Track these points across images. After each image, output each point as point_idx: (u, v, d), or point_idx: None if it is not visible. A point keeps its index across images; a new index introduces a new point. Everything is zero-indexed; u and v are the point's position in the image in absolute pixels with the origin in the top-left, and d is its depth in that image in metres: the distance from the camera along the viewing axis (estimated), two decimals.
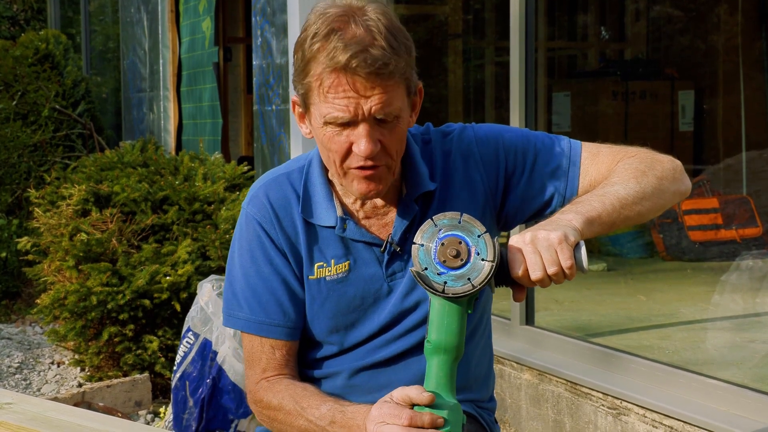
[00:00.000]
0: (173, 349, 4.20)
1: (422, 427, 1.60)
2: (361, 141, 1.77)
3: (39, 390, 4.61)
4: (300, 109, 1.86)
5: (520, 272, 1.63)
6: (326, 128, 1.79)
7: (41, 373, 4.84)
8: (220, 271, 4.20)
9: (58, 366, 4.92)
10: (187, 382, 3.52)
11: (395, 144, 1.81)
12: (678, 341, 4.34)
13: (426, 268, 1.61)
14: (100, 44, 10.34)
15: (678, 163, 1.93)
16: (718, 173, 6.52)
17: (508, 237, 1.85)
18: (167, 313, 4.22)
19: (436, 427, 1.61)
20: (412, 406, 1.63)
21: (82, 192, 4.45)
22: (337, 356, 1.95)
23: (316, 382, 1.95)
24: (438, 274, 1.61)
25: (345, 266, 1.90)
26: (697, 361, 4.03)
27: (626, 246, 6.03)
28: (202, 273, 4.19)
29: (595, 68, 8.07)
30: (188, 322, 3.58)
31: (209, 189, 4.47)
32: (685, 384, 3.12)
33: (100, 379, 4.31)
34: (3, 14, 10.58)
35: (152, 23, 7.90)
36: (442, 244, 1.61)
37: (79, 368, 4.69)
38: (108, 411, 3.72)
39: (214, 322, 3.52)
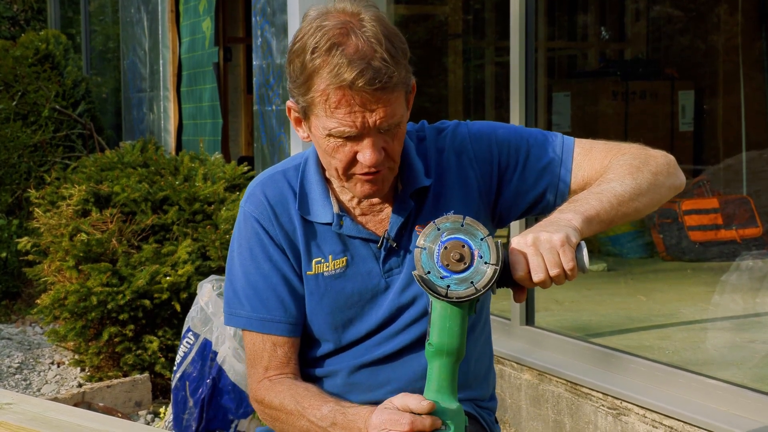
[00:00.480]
0: (173, 350, 4.20)
1: None
2: (366, 152, 1.79)
3: (39, 390, 4.61)
4: (297, 115, 1.87)
5: (522, 274, 1.63)
6: (329, 140, 1.80)
7: (41, 374, 4.84)
8: (221, 271, 4.20)
9: (58, 366, 4.92)
10: (187, 383, 3.52)
11: (397, 147, 1.83)
12: (678, 341, 4.33)
13: (429, 272, 1.61)
14: (100, 44, 10.33)
15: (671, 157, 1.94)
16: (718, 173, 6.52)
17: (508, 236, 1.85)
18: (167, 313, 4.22)
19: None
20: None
21: (82, 192, 4.45)
22: (337, 354, 1.96)
23: (316, 380, 1.96)
24: (441, 277, 1.60)
25: (342, 262, 1.91)
26: (697, 361, 4.03)
27: (626, 246, 6.02)
28: (202, 273, 4.19)
29: (595, 68, 8.07)
30: (188, 322, 3.58)
31: (209, 189, 4.47)
32: (685, 384, 3.12)
33: (100, 380, 4.31)
34: (3, 14, 10.58)
35: (152, 23, 7.90)
36: (445, 247, 1.61)
37: (79, 368, 4.68)
38: (108, 411, 3.72)
39: (214, 322, 3.52)
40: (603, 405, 3.28)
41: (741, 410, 2.93)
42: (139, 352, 4.20)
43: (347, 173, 1.83)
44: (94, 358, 4.34)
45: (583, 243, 1.67)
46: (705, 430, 2.92)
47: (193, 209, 4.42)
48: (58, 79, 7.13)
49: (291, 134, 5.37)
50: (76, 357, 4.57)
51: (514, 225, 3.89)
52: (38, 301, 4.40)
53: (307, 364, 1.97)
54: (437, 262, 1.61)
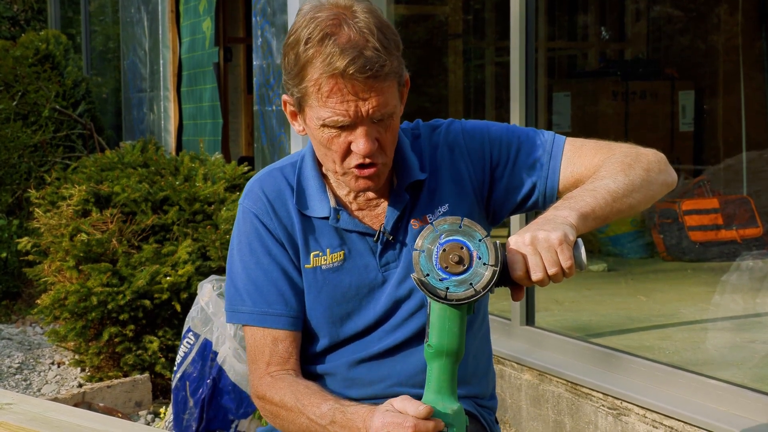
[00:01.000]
0: (173, 350, 4.20)
1: None
2: (360, 141, 1.81)
3: (39, 390, 4.61)
4: (292, 108, 1.90)
5: (520, 274, 1.63)
6: (324, 130, 1.83)
7: (41, 374, 4.84)
8: (221, 271, 4.20)
9: (59, 366, 4.92)
10: (188, 383, 3.52)
11: (391, 140, 1.86)
12: (678, 341, 4.33)
13: (428, 274, 1.61)
14: (100, 44, 10.33)
15: (662, 155, 1.96)
16: (719, 173, 6.52)
17: (508, 235, 1.85)
18: (167, 313, 4.22)
19: None
20: None
21: (82, 192, 4.45)
22: (336, 349, 1.97)
23: (316, 377, 1.97)
24: (440, 279, 1.60)
25: (340, 256, 1.93)
26: (698, 361, 4.03)
27: (626, 246, 6.02)
28: (203, 273, 4.19)
29: (595, 68, 8.07)
30: (188, 322, 3.58)
31: (209, 189, 4.47)
32: (686, 384, 3.12)
33: (101, 380, 4.31)
34: (3, 14, 10.58)
35: (152, 23, 7.90)
36: (444, 249, 1.61)
37: (79, 368, 4.69)
38: (108, 411, 3.72)
39: (215, 322, 3.52)
40: (603, 405, 3.28)
41: (741, 410, 2.93)
42: (140, 352, 4.20)
43: (343, 166, 1.85)
44: (94, 358, 4.34)
45: (580, 240, 1.67)
46: (705, 430, 2.92)
47: (194, 209, 4.42)
48: (59, 79, 7.13)
49: (291, 134, 5.37)
50: (77, 357, 4.57)
51: (515, 224, 3.89)
52: (38, 301, 4.40)
53: (307, 361, 1.98)
54: (436, 265, 1.61)
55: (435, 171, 1.97)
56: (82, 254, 4.23)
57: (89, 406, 3.78)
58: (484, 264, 1.60)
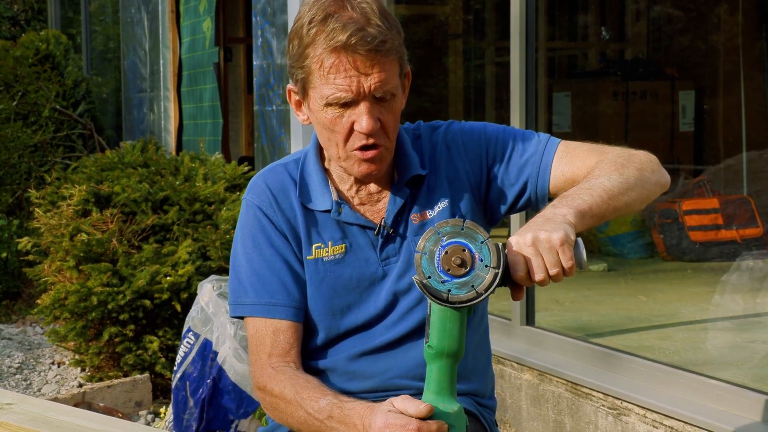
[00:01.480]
0: (173, 350, 4.20)
1: None
2: (362, 118, 1.84)
3: (39, 390, 4.61)
4: (297, 97, 1.94)
5: (522, 275, 1.64)
6: (327, 110, 1.86)
7: (42, 374, 4.84)
8: (221, 271, 4.20)
9: (59, 366, 4.92)
10: (188, 383, 3.52)
11: (392, 122, 1.89)
12: (678, 341, 4.33)
13: (429, 277, 1.60)
14: (100, 44, 10.33)
15: (654, 156, 1.99)
16: (719, 173, 6.51)
17: (508, 235, 1.85)
18: (168, 313, 4.22)
19: None
20: None
21: (82, 192, 4.45)
22: (337, 342, 1.99)
23: (317, 371, 1.98)
24: (442, 282, 1.60)
25: (341, 248, 1.96)
26: (698, 361, 4.03)
27: (626, 246, 6.02)
28: (203, 273, 4.19)
29: (595, 68, 8.07)
30: (188, 322, 3.58)
31: (210, 189, 4.47)
32: (686, 384, 3.12)
33: (101, 380, 4.31)
34: (3, 14, 10.57)
35: (153, 23, 7.90)
36: (446, 252, 1.61)
37: (79, 368, 4.69)
38: (108, 411, 3.72)
39: (215, 322, 3.52)
40: (603, 405, 3.28)
41: (741, 410, 2.93)
42: (140, 352, 4.20)
43: (346, 149, 1.88)
44: (94, 358, 4.35)
45: (580, 240, 1.68)
46: (705, 430, 2.92)
47: (194, 209, 4.42)
48: (59, 79, 7.13)
49: (291, 134, 5.37)
50: (77, 357, 4.57)
51: (515, 224, 3.89)
52: (38, 301, 4.40)
53: (308, 355, 1.99)
54: (438, 267, 1.60)
55: (435, 168, 2.00)
56: (82, 254, 4.23)
57: (89, 406, 3.78)
58: (486, 266, 1.59)
